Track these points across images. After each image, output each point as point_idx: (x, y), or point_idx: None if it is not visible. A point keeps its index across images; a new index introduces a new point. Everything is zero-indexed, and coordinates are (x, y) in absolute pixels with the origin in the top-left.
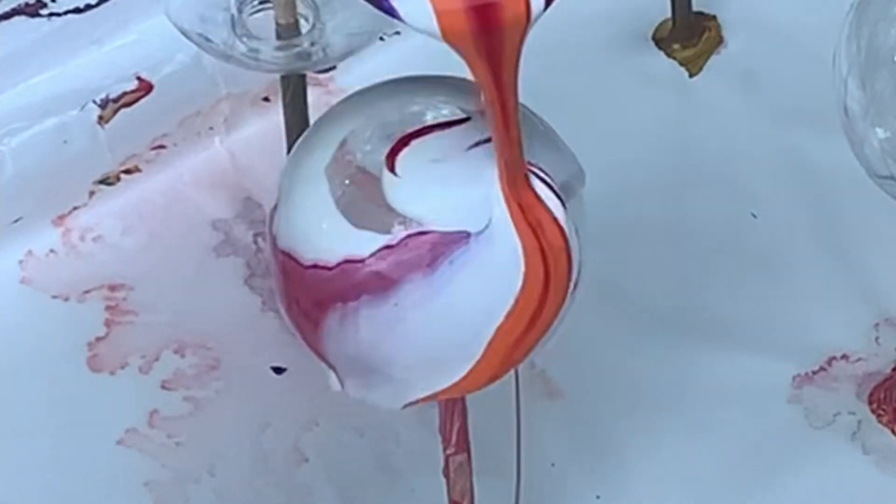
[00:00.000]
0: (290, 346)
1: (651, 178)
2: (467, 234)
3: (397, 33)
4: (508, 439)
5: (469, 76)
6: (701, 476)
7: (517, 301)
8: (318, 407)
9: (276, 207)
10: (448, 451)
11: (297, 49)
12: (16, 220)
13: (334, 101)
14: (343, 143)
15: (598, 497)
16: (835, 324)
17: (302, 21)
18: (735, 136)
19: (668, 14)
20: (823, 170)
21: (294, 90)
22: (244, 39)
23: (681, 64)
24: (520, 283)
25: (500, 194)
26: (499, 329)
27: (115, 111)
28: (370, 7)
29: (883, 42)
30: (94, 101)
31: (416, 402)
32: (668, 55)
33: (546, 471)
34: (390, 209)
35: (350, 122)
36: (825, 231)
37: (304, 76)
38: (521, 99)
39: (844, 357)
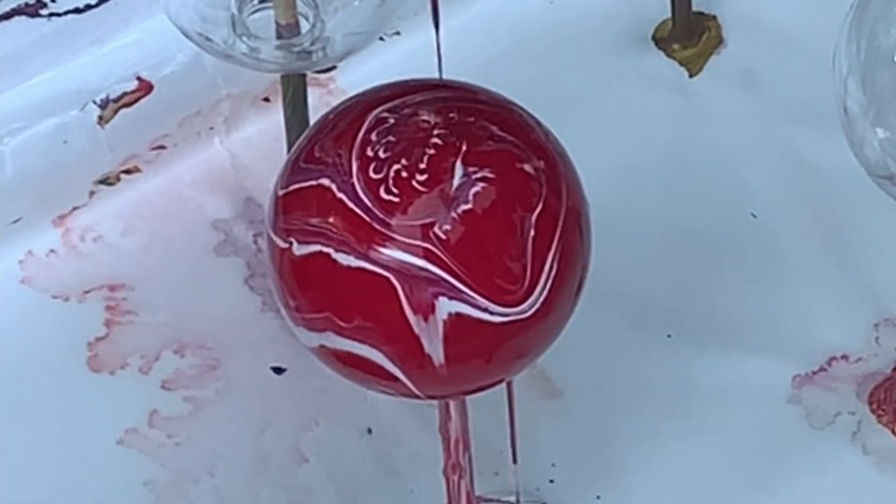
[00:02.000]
0: (290, 346)
1: (651, 177)
2: None
3: (397, 33)
4: (508, 439)
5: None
6: (701, 476)
7: None
8: (318, 407)
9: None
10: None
11: (298, 49)
12: (16, 220)
13: (334, 101)
14: None
15: (598, 497)
16: (835, 324)
17: (302, 21)
18: (735, 136)
19: (668, 14)
20: (823, 170)
21: (294, 90)
22: (244, 39)
23: (681, 64)
24: None
25: None
26: None
27: (116, 111)
28: (370, 7)
29: (883, 42)
30: (95, 102)
31: None
32: (668, 55)
33: (546, 471)
34: None
35: None
36: (825, 231)
37: (304, 76)
38: (521, 99)
39: (844, 357)
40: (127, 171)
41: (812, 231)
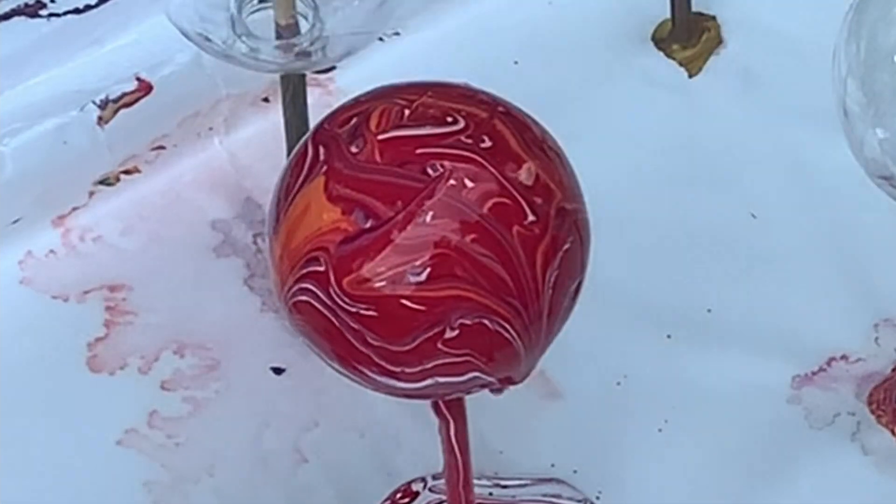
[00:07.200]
0: (289, 346)
1: (651, 178)
2: None
3: (397, 33)
4: (508, 439)
5: (469, 83)
6: (701, 476)
7: None
8: (318, 407)
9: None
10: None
11: (297, 49)
12: (15, 221)
13: (334, 101)
14: None
15: (598, 497)
16: (835, 324)
17: (302, 21)
18: (735, 136)
19: (668, 14)
20: (823, 170)
21: (294, 90)
22: (244, 39)
23: (680, 64)
24: None
25: None
26: None
27: (115, 112)
28: (370, 7)
29: (882, 42)
30: (94, 102)
31: None
32: (668, 55)
33: (546, 471)
34: None
35: None
36: (825, 231)
37: (303, 76)
38: (520, 99)
39: (844, 357)
40: (126, 172)
41: (812, 231)
